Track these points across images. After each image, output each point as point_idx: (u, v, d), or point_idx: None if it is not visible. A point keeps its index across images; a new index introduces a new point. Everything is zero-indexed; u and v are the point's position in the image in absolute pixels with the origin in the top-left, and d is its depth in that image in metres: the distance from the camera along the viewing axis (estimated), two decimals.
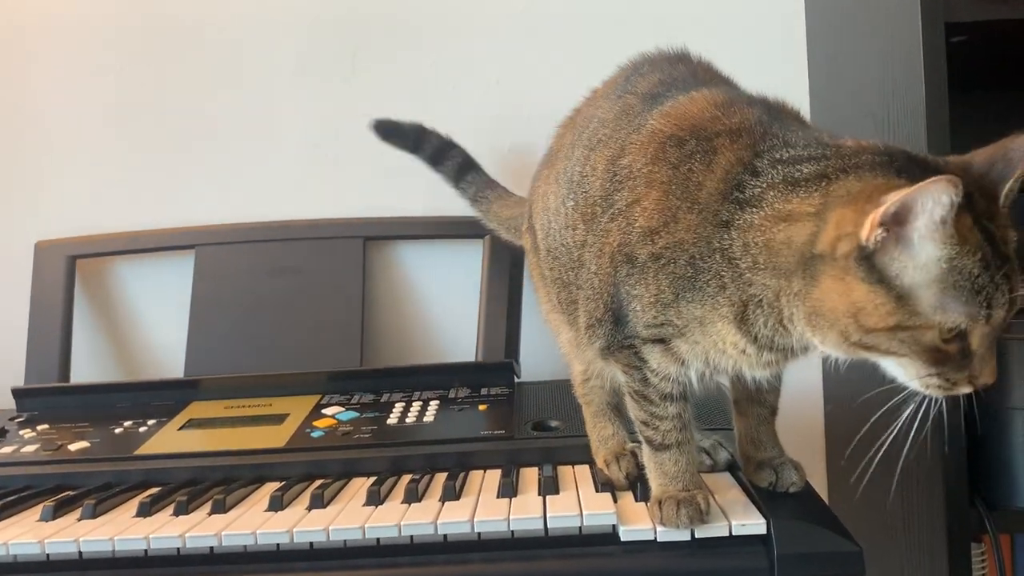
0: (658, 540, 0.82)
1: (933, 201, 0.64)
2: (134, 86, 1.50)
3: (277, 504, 0.92)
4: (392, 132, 1.33)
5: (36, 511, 0.95)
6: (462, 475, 0.99)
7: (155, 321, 1.50)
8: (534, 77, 1.47)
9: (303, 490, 0.98)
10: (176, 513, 0.92)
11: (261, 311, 1.39)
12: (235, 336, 1.38)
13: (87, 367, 1.47)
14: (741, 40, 1.44)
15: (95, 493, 1.00)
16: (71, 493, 1.00)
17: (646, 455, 0.87)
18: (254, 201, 1.48)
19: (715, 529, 0.82)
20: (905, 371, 0.72)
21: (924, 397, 0.73)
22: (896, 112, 1.05)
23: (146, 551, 0.86)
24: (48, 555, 0.86)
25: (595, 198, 0.87)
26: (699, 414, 1.02)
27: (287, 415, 1.19)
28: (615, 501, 0.89)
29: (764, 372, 0.82)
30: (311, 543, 0.85)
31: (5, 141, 1.51)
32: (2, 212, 1.51)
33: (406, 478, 0.98)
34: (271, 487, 1.00)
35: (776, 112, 0.82)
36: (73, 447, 1.13)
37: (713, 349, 0.80)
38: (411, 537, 0.85)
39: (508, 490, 0.92)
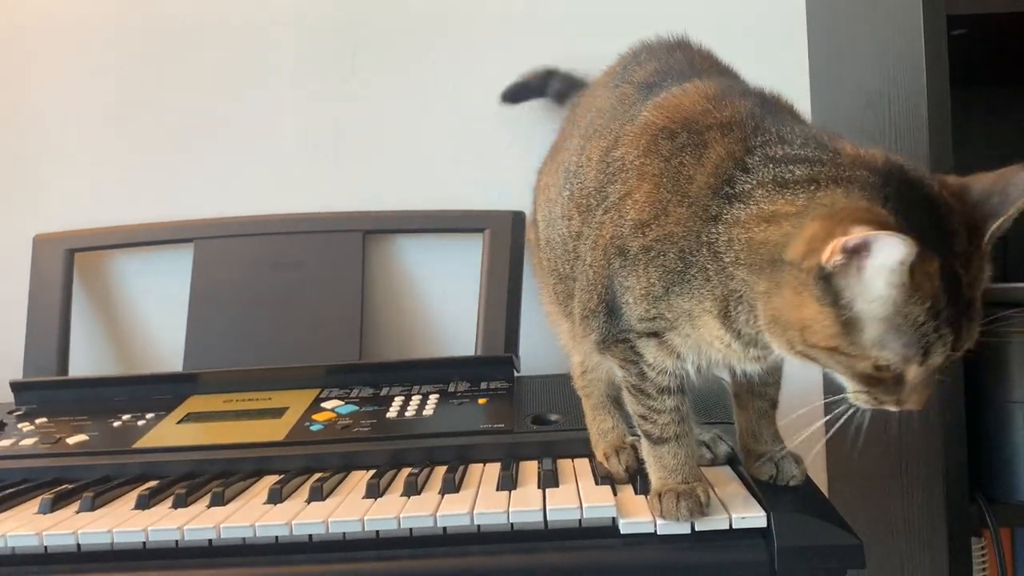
0: (658, 533, 0.82)
1: (888, 251, 0.63)
2: (134, 83, 1.50)
3: (276, 497, 0.92)
4: (520, 93, 1.39)
5: (34, 504, 0.95)
6: (461, 468, 0.99)
7: (154, 315, 1.49)
8: None
9: (302, 483, 0.98)
10: (175, 506, 0.92)
11: (260, 305, 1.38)
12: (234, 330, 1.38)
13: (85, 361, 1.47)
14: (741, 31, 1.44)
15: (93, 486, 1.00)
16: (69, 486, 1.00)
17: (645, 449, 0.87)
18: (253, 198, 1.47)
19: (715, 522, 0.81)
20: (841, 379, 0.73)
21: None
22: (897, 105, 1.05)
23: (144, 543, 0.85)
24: (46, 547, 0.86)
25: (589, 189, 0.86)
26: (699, 408, 1.02)
27: (286, 409, 1.19)
28: (615, 494, 0.88)
29: (754, 367, 0.82)
30: (310, 535, 0.85)
31: (4, 135, 1.50)
32: (1, 206, 1.50)
33: (405, 471, 0.98)
34: (270, 480, 1.00)
35: (770, 105, 0.81)
36: (71, 440, 1.13)
37: (703, 343, 0.80)
38: (410, 530, 0.84)
39: (508, 483, 0.92)
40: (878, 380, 0.70)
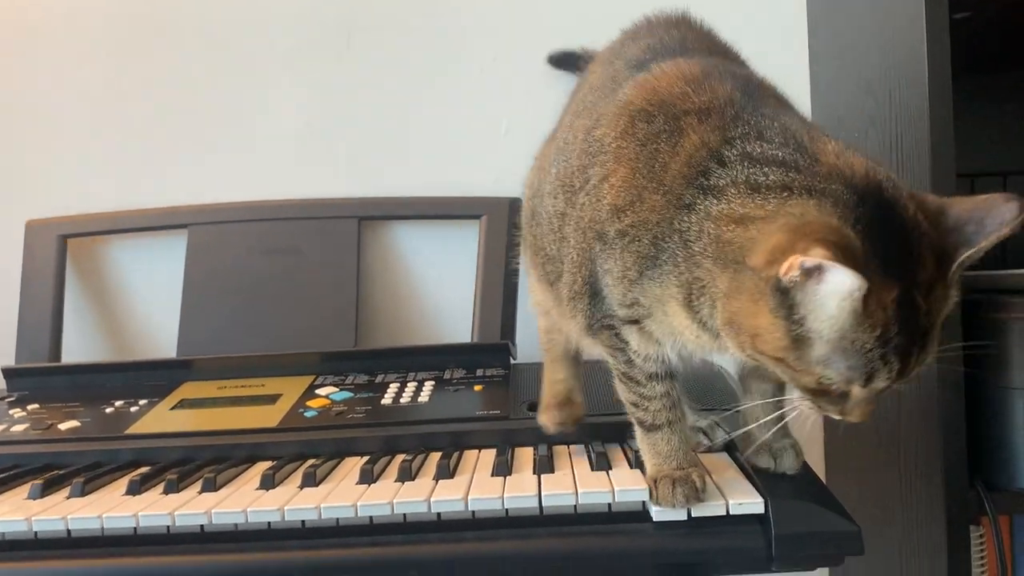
0: (654, 519, 0.81)
1: (840, 280, 0.62)
2: (127, 68, 1.48)
3: (268, 483, 0.91)
4: (563, 61, 1.42)
5: (24, 489, 0.94)
6: (456, 454, 0.98)
7: (147, 301, 1.48)
8: (530, 59, 1.45)
9: (295, 469, 0.97)
10: (166, 492, 0.91)
11: (254, 291, 1.37)
12: (228, 316, 1.37)
13: (78, 347, 1.46)
14: (742, 15, 1.42)
15: (84, 472, 0.99)
16: (60, 472, 0.99)
17: (639, 436, 0.86)
18: (247, 184, 1.46)
19: (712, 508, 0.80)
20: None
21: None
22: (898, 89, 1.04)
23: (135, 529, 0.84)
24: (36, 532, 0.85)
25: (574, 168, 0.85)
26: (695, 394, 1.02)
27: (280, 395, 1.18)
28: (611, 480, 0.87)
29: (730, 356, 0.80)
30: (303, 521, 0.84)
31: None
32: None
33: (400, 457, 0.97)
34: (263, 466, 0.99)
35: (753, 92, 0.77)
36: (63, 426, 1.12)
37: (676, 331, 0.78)
38: (404, 515, 0.84)
39: (503, 469, 0.91)
40: (822, 392, 0.70)
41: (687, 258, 0.73)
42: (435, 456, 0.98)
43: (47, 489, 0.93)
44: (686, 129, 0.75)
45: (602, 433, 1.02)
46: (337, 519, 0.84)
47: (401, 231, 1.47)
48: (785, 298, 0.65)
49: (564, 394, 0.97)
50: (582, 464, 0.93)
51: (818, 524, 0.79)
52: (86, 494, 0.92)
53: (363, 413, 1.11)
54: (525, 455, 0.98)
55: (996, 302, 0.96)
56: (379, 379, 1.23)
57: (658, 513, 0.81)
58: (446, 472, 0.90)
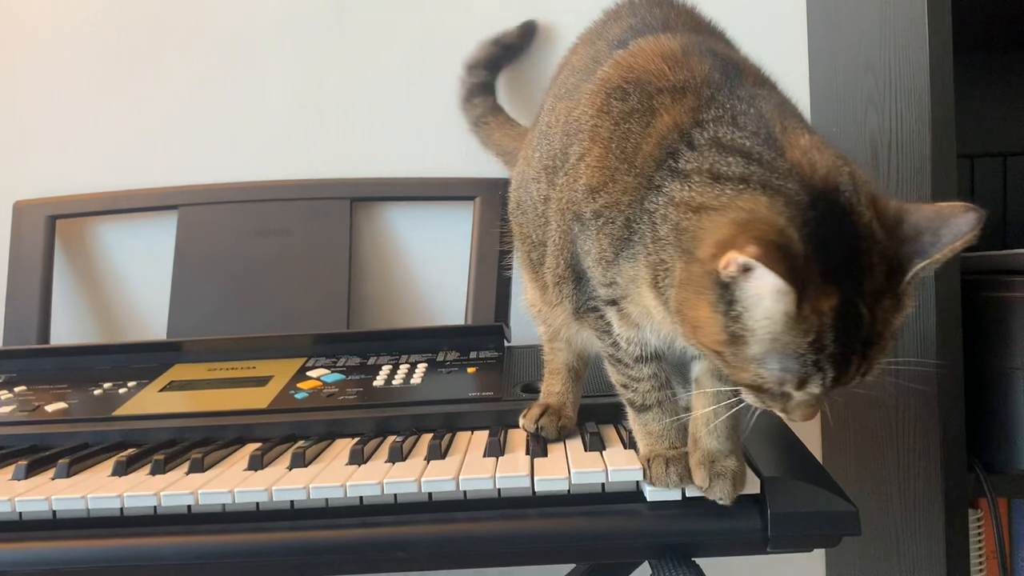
0: (647, 499, 0.80)
1: (767, 282, 0.60)
2: (115, 44, 1.46)
3: (257, 463, 0.89)
4: None
5: (9, 471, 0.92)
6: (448, 435, 0.97)
7: (137, 283, 1.46)
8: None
9: (284, 450, 0.95)
10: (153, 472, 0.89)
11: (245, 273, 1.36)
12: (219, 298, 1.35)
13: (67, 329, 1.44)
14: None
15: (70, 453, 0.97)
16: (45, 453, 0.98)
17: (631, 418, 0.85)
18: (238, 164, 1.44)
19: None
20: None
21: None
22: (898, 67, 1.02)
23: (121, 510, 0.83)
24: (20, 513, 0.83)
25: (555, 150, 0.83)
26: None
27: (271, 377, 1.17)
28: (604, 461, 0.86)
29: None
30: (291, 502, 0.82)
31: None
32: None
33: (391, 439, 0.96)
34: (251, 447, 0.97)
35: (733, 73, 0.74)
36: (50, 408, 1.11)
37: (650, 314, 0.76)
38: (395, 496, 0.82)
39: (495, 449, 0.89)
40: (763, 389, 0.68)
41: (654, 240, 0.71)
42: (427, 437, 0.96)
43: (32, 470, 0.92)
44: (659, 109, 0.73)
45: (596, 414, 1.00)
46: (326, 500, 0.82)
47: (394, 212, 1.45)
48: (725, 293, 0.64)
49: (556, 407, 0.96)
50: (576, 445, 0.92)
51: (815, 504, 0.78)
52: (71, 475, 0.90)
53: (355, 395, 1.09)
54: (518, 436, 0.96)
55: (996, 282, 0.95)
56: (371, 361, 1.21)
57: (652, 493, 0.80)
58: (437, 453, 0.89)
